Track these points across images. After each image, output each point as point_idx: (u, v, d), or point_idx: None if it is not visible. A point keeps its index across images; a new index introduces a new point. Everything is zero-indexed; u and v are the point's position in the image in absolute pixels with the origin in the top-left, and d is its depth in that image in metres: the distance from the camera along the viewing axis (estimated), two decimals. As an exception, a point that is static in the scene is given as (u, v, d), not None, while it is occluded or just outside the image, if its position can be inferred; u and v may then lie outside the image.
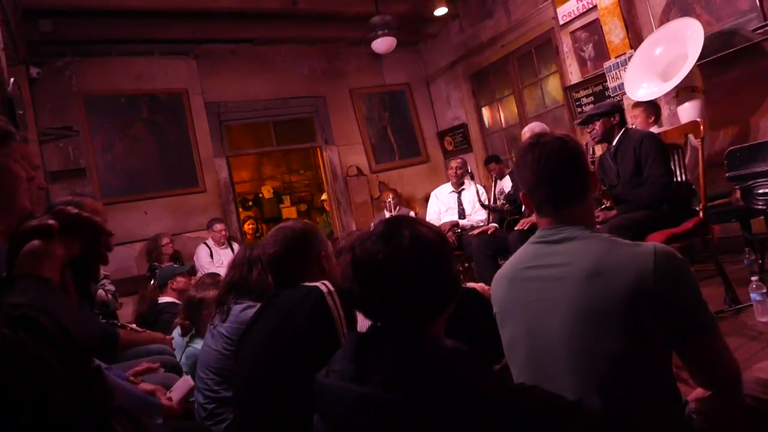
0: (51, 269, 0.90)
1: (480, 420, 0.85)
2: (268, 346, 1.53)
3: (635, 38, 4.65)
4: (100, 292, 2.73)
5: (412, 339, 0.95)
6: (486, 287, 1.96)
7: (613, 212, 2.97)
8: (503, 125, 6.88)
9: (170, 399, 1.91)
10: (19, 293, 0.81)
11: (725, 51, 4.09)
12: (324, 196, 8.06)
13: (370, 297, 0.99)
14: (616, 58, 4.77)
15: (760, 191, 3.12)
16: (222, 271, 2.77)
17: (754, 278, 2.59)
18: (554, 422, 0.90)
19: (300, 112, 6.97)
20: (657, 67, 4.17)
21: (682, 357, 1.15)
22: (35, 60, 5.19)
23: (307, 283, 1.55)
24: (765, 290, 2.57)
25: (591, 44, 5.19)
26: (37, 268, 0.88)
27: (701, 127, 2.94)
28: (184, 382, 2.04)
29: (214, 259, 5.35)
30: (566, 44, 5.43)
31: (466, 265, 4.69)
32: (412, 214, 6.17)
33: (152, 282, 4.27)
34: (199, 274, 4.81)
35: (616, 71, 4.76)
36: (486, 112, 7.11)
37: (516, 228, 3.66)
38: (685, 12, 4.33)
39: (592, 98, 5.21)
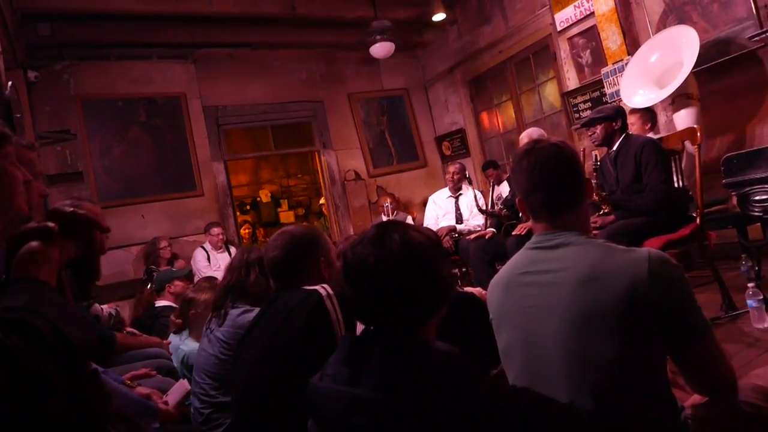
0: (48, 272, 0.90)
1: (471, 422, 0.85)
2: (267, 350, 1.53)
3: (632, 45, 4.67)
4: (104, 313, 2.73)
5: (404, 342, 0.96)
6: (483, 292, 1.96)
7: (611, 218, 2.98)
8: (501, 130, 6.90)
9: (166, 403, 1.90)
10: (15, 296, 0.80)
11: (722, 58, 4.11)
12: (322, 201, 8.06)
13: (361, 300, 0.99)
14: (613, 64, 4.79)
15: (757, 198, 3.13)
16: (219, 275, 2.77)
17: (750, 285, 2.59)
18: (545, 425, 0.90)
19: (298, 117, 6.98)
20: (653, 75, 4.19)
21: (677, 363, 1.15)
22: (33, 64, 5.19)
23: (306, 287, 1.55)
24: (761, 297, 2.58)
25: (588, 50, 5.21)
26: (33, 270, 0.88)
27: (698, 134, 2.95)
28: (180, 386, 2.04)
29: (212, 262, 5.34)
30: (564, 50, 5.45)
31: (464, 269, 4.69)
32: (409, 218, 6.18)
33: (149, 285, 4.26)
34: (196, 278, 4.81)
35: (614, 77, 4.77)
36: (484, 118, 7.13)
37: (513, 233, 3.66)
38: (682, 19, 4.35)
39: (589, 104, 5.23)
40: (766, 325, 2.55)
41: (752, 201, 3.12)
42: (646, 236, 2.78)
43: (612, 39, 4.77)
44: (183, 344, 2.68)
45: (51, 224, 0.93)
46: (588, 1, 5.02)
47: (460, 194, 4.89)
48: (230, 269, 2.25)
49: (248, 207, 9.86)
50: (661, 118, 4.55)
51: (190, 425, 2.06)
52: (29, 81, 5.09)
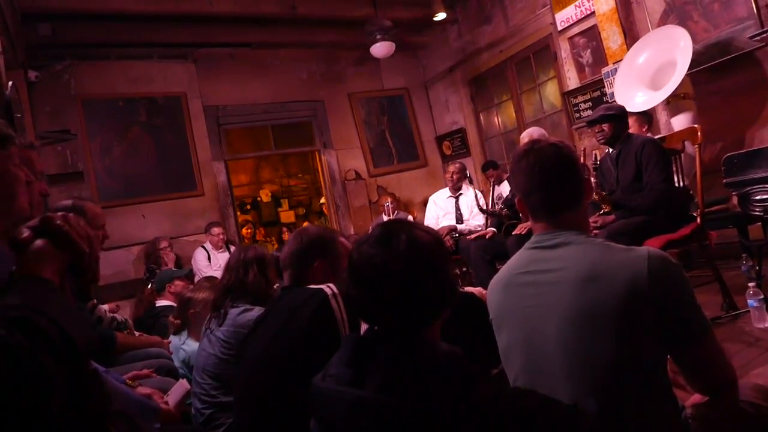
0: (52, 271, 0.90)
1: (475, 423, 0.85)
2: (271, 349, 1.52)
3: (633, 44, 4.67)
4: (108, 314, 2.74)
5: (408, 342, 0.96)
6: (484, 291, 1.96)
7: (612, 217, 2.98)
8: (501, 130, 6.90)
9: (167, 403, 1.90)
10: (19, 294, 0.80)
11: (722, 58, 4.11)
12: (322, 200, 8.06)
13: (366, 300, 0.99)
14: (614, 64, 4.79)
15: (758, 197, 3.13)
16: (220, 275, 2.77)
17: (751, 284, 2.59)
18: (549, 426, 0.90)
19: (298, 116, 6.98)
20: (645, 77, 4.19)
21: (677, 362, 1.15)
22: (34, 63, 5.19)
23: (312, 286, 1.55)
24: (762, 296, 2.58)
25: (589, 50, 5.21)
26: (38, 269, 0.88)
27: (698, 134, 2.95)
28: (180, 386, 2.04)
29: (212, 262, 5.34)
30: (564, 50, 5.45)
31: (464, 269, 4.69)
32: (410, 218, 6.18)
33: (150, 285, 4.27)
34: (196, 278, 4.81)
35: (614, 77, 4.77)
36: (484, 117, 7.13)
37: (514, 233, 3.67)
38: (683, 18, 4.35)
39: (590, 104, 5.23)
40: (766, 325, 2.55)
41: (753, 200, 3.12)
42: (647, 236, 2.78)
43: (613, 39, 4.77)
44: (184, 345, 2.68)
45: (64, 225, 0.93)
46: (588, 1, 5.02)
47: (460, 194, 4.89)
48: (228, 269, 2.25)
49: (249, 207, 9.86)
50: (662, 118, 4.55)
51: (191, 425, 2.06)
52: (30, 81, 5.08)
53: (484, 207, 4.49)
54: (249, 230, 8.07)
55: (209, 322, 2.17)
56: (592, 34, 5.10)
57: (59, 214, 0.95)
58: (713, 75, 4.22)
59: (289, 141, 7.32)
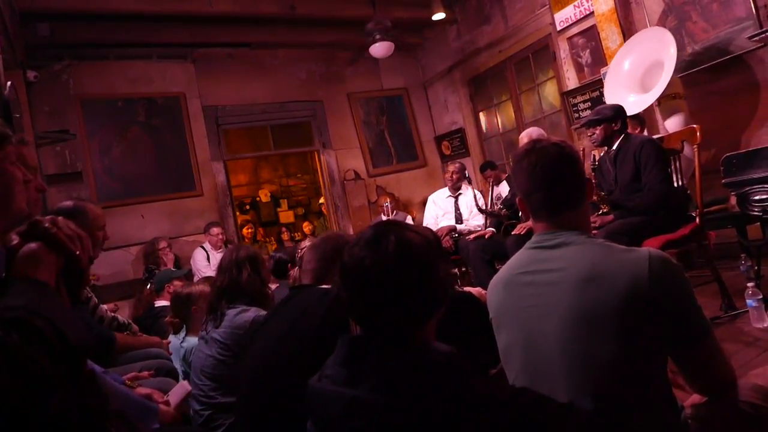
0: (47, 273, 0.90)
1: (470, 422, 0.85)
2: (280, 347, 1.51)
3: (632, 44, 4.68)
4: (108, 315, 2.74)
5: (402, 342, 0.96)
6: (483, 291, 1.96)
7: (610, 217, 2.98)
8: (500, 130, 6.90)
9: (167, 403, 1.90)
10: (16, 296, 0.80)
11: (721, 58, 4.11)
12: (321, 200, 8.06)
13: (357, 302, 0.99)
14: (613, 64, 4.78)
15: (757, 198, 3.13)
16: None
17: (750, 284, 2.59)
18: (545, 424, 0.90)
19: (298, 116, 6.98)
20: (633, 80, 4.20)
21: (677, 362, 1.15)
22: (32, 63, 5.19)
23: (323, 286, 1.55)
24: (761, 296, 2.58)
25: (588, 50, 5.21)
26: (33, 271, 0.88)
27: (697, 134, 2.95)
28: (181, 387, 2.03)
29: (211, 262, 5.34)
30: (563, 50, 5.46)
31: (463, 269, 4.69)
32: (409, 218, 6.19)
33: (149, 285, 4.27)
34: (195, 278, 4.81)
35: (613, 78, 4.78)
36: (483, 117, 7.13)
37: (513, 233, 3.66)
38: (682, 18, 4.36)
39: (589, 104, 5.23)
40: (765, 325, 2.55)
41: (752, 201, 3.12)
42: (646, 236, 2.78)
43: (612, 39, 4.77)
44: (184, 342, 2.68)
45: (52, 228, 0.93)
46: (588, 1, 5.03)
47: (460, 194, 4.89)
48: (221, 270, 2.24)
49: (248, 207, 9.86)
50: (659, 118, 4.55)
51: (191, 426, 2.06)
52: (28, 81, 5.08)
53: (483, 207, 4.49)
54: (249, 230, 8.06)
55: (206, 324, 2.16)
56: (591, 34, 5.10)
57: (48, 217, 0.95)
58: (712, 75, 4.23)
59: (288, 141, 7.32)
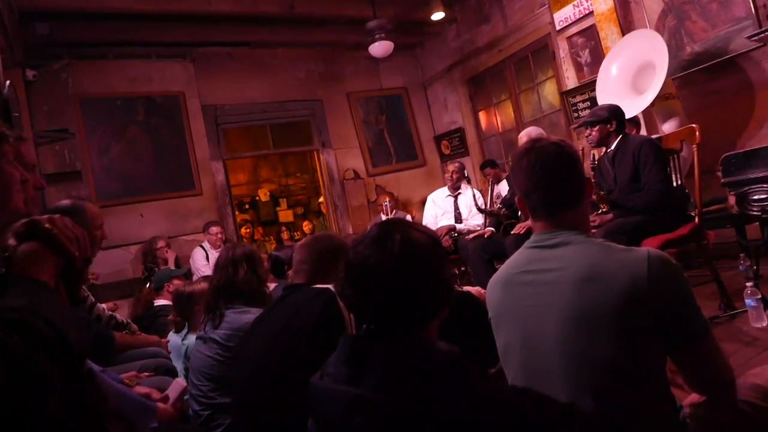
0: (46, 273, 0.90)
1: (472, 422, 0.85)
2: (274, 347, 1.51)
3: (631, 44, 4.67)
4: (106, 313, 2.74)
5: (405, 341, 0.96)
6: (482, 291, 1.96)
7: (609, 216, 2.98)
8: (500, 129, 6.90)
9: (165, 400, 1.90)
10: (15, 296, 0.80)
11: (720, 58, 4.12)
12: (321, 200, 8.06)
13: (361, 301, 0.99)
14: (612, 63, 4.78)
15: (756, 197, 3.13)
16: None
17: (748, 284, 2.60)
18: (546, 424, 0.90)
19: (297, 116, 6.98)
20: (626, 83, 4.20)
21: (676, 362, 1.15)
22: (31, 62, 5.18)
23: (318, 285, 1.55)
24: (760, 296, 2.58)
25: (587, 50, 5.21)
26: (33, 271, 0.88)
27: (696, 133, 2.95)
28: (177, 385, 2.04)
29: (210, 262, 5.34)
30: (563, 49, 5.45)
31: (463, 268, 4.69)
32: (408, 218, 6.18)
33: (148, 285, 4.26)
34: (195, 277, 4.80)
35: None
36: (483, 117, 7.13)
37: (513, 232, 3.67)
38: (681, 18, 4.36)
39: (588, 103, 5.23)
40: (764, 324, 2.55)
41: (751, 200, 3.13)
42: (645, 235, 2.78)
43: (611, 38, 4.77)
44: (185, 340, 2.66)
45: (51, 228, 0.93)
46: (587, 1, 5.03)
47: (459, 193, 4.89)
48: (217, 269, 2.23)
49: (247, 206, 9.85)
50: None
51: (189, 424, 2.06)
52: (27, 80, 5.07)
53: (483, 207, 4.49)
54: (247, 230, 8.06)
55: (204, 324, 2.15)
56: (591, 33, 5.10)
57: (46, 216, 0.95)
58: (711, 75, 4.23)
59: (287, 140, 7.31)
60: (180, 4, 5.40)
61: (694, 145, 2.97)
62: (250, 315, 2.03)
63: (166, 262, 5.23)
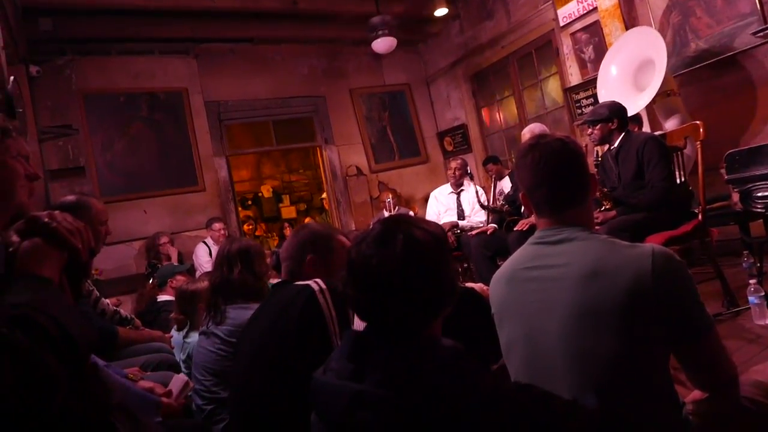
0: (50, 269, 0.90)
1: (475, 418, 0.85)
2: (262, 346, 1.53)
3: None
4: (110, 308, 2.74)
5: (408, 338, 0.96)
6: (485, 287, 1.96)
7: (613, 213, 2.98)
8: (503, 126, 6.88)
9: (168, 395, 1.92)
10: (19, 293, 0.81)
11: (725, 54, 4.10)
12: (323, 196, 8.06)
13: (363, 300, 0.99)
14: (616, 59, 4.76)
15: (759, 194, 3.13)
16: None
17: (752, 281, 2.59)
18: (549, 421, 0.90)
19: (300, 112, 6.97)
20: (626, 81, 4.19)
21: (679, 359, 1.15)
22: (35, 58, 5.18)
23: (299, 282, 1.55)
24: (763, 293, 2.58)
25: (591, 46, 5.19)
26: (37, 267, 0.88)
27: (701, 130, 2.94)
28: (179, 380, 2.05)
29: (213, 258, 5.34)
30: (566, 46, 5.43)
31: (465, 265, 4.69)
32: (411, 214, 6.17)
33: (151, 280, 4.28)
34: (197, 273, 4.82)
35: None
36: (486, 113, 7.12)
37: (515, 229, 3.66)
38: (686, 14, 4.34)
39: (591, 100, 5.22)
40: (767, 322, 2.55)
41: (754, 197, 3.12)
42: (648, 232, 2.77)
43: (615, 34, 4.75)
44: (189, 339, 2.67)
45: (51, 223, 0.93)
46: (591, -3, 5.00)
47: (462, 190, 4.89)
48: (214, 266, 2.23)
49: (250, 202, 9.86)
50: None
51: (193, 419, 2.07)
52: (31, 76, 5.08)
53: (485, 203, 4.49)
54: (250, 226, 8.07)
55: (206, 320, 2.16)
56: (595, 29, 5.08)
57: (45, 212, 0.95)
58: (715, 71, 4.21)
59: (290, 136, 7.31)
60: (183, 0, 5.41)
61: (698, 142, 2.96)
62: (251, 311, 2.04)
63: (168, 257, 5.24)
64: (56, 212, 0.96)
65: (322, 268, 1.65)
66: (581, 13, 5.17)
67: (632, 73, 4.20)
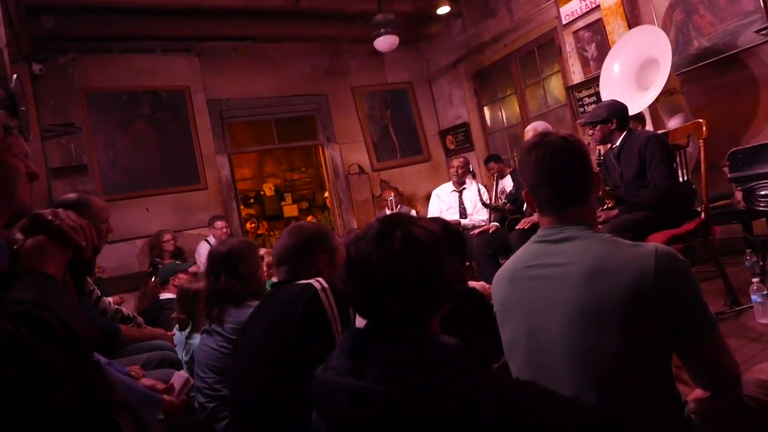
0: (54, 266, 0.91)
1: (475, 414, 0.85)
2: (263, 344, 1.53)
3: (638, 38, 4.64)
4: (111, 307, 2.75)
5: (408, 334, 0.96)
6: (487, 286, 1.97)
7: (615, 212, 2.98)
8: (505, 124, 6.88)
9: (169, 391, 1.92)
10: (23, 289, 0.81)
11: (728, 52, 4.09)
12: (325, 194, 8.06)
13: (362, 297, 0.99)
14: (618, 58, 4.75)
15: (762, 193, 3.12)
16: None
17: (755, 280, 2.59)
18: (550, 418, 0.90)
19: (302, 110, 6.98)
20: (629, 80, 4.18)
21: (681, 357, 1.15)
22: (38, 57, 5.19)
23: (301, 281, 1.55)
24: (766, 292, 2.57)
25: (594, 44, 5.18)
26: (41, 264, 0.89)
27: (704, 128, 2.93)
28: (180, 377, 2.05)
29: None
30: (569, 44, 5.42)
31: (468, 263, 4.69)
32: (413, 212, 6.18)
33: (153, 278, 4.28)
34: (200, 271, 4.81)
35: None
36: (488, 111, 7.11)
37: (517, 227, 3.66)
38: (689, 12, 4.33)
39: (594, 98, 5.20)
40: (770, 320, 2.54)
41: (758, 196, 3.11)
42: (650, 231, 2.77)
43: (618, 33, 4.74)
44: (191, 339, 2.67)
45: (54, 220, 0.93)
46: (593, -6, 4.99)
47: (464, 188, 4.89)
48: (205, 274, 2.24)
49: (252, 200, 9.87)
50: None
51: (195, 416, 2.07)
52: (34, 74, 5.09)
53: (487, 202, 4.48)
54: (252, 224, 8.08)
55: (209, 321, 2.16)
56: (597, 27, 5.07)
57: (48, 210, 0.95)
58: (718, 69, 4.20)
59: (292, 135, 7.31)
60: (185, -2, 5.42)
61: (701, 141, 2.96)
62: (251, 309, 2.04)
63: (172, 255, 5.25)
64: (60, 210, 0.96)
65: (331, 265, 1.67)
66: (584, 11, 5.15)
67: (635, 71, 4.19)
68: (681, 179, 3.11)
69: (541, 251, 1.25)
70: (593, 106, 5.01)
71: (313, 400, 1.02)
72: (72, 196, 2.18)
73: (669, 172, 2.90)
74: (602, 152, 3.26)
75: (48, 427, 0.71)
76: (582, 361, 1.12)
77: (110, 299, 2.82)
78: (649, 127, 4.33)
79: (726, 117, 4.15)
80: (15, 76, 3.23)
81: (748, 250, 3.01)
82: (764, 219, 3.38)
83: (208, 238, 5.55)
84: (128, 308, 3.00)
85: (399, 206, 5.82)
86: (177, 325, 2.77)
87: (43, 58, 5.28)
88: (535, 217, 3.35)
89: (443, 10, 6.59)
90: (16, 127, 1.09)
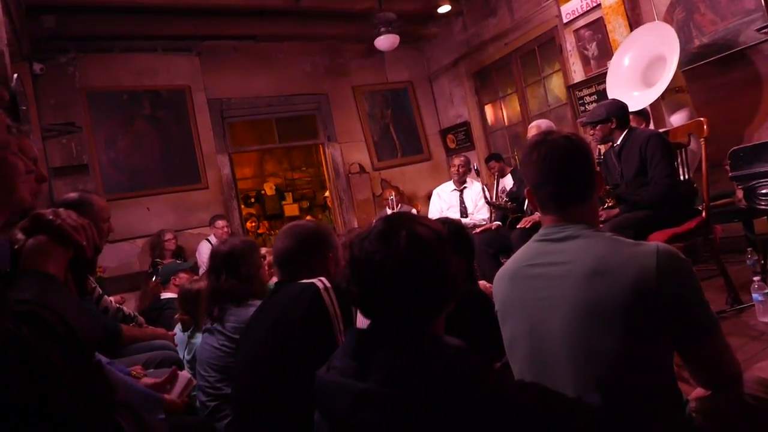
0: (56, 266, 0.91)
1: (478, 415, 0.85)
2: (266, 343, 1.53)
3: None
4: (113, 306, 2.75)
5: (411, 335, 0.96)
6: (488, 285, 1.97)
7: (616, 211, 2.98)
8: (506, 123, 6.87)
9: (168, 390, 1.93)
10: (25, 289, 0.81)
11: (729, 51, 4.08)
12: (326, 194, 8.06)
13: (366, 297, 0.99)
14: (619, 56, 4.75)
15: (764, 191, 3.11)
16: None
17: (756, 278, 2.59)
18: (553, 419, 0.90)
19: (302, 109, 6.97)
20: (636, 75, 4.18)
21: (683, 356, 1.15)
22: (38, 56, 5.19)
23: (304, 280, 1.55)
24: (766, 290, 2.57)
25: (594, 42, 5.17)
26: (42, 264, 0.89)
27: (705, 127, 2.93)
28: (182, 377, 2.05)
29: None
30: (570, 42, 5.42)
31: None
32: (414, 212, 6.18)
33: (154, 278, 4.29)
34: (201, 271, 4.82)
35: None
36: (489, 110, 7.10)
37: (518, 226, 3.66)
38: (690, 10, 4.32)
39: (595, 97, 5.20)
40: (771, 319, 2.54)
41: (759, 194, 3.10)
42: (651, 229, 2.77)
43: (618, 31, 4.73)
44: (194, 338, 2.67)
45: (55, 220, 0.93)
46: (594, -7, 4.99)
47: (465, 187, 4.88)
48: (207, 273, 2.24)
49: (253, 200, 9.87)
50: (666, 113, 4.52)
51: (196, 416, 2.07)
52: (35, 73, 5.08)
53: (491, 200, 4.48)
54: (253, 223, 8.08)
55: (210, 320, 2.16)
56: (598, 26, 5.07)
57: (50, 210, 0.96)
58: (719, 68, 4.19)
59: (293, 134, 7.31)
60: (186, -3, 5.41)
61: (702, 139, 2.95)
62: (254, 308, 2.04)
63: (172, 254, 5.25)
64: (61, 209, 0.96)
65: (337, 264, 1.67)
66: (584, 9, 5.15)
67: (642, 68, 4.18)
68: (682, 178, 3.11)
69: (542, 250, 1.25)
70: (594, 104, 5.01)
71: (316, 401, 1.01)
72: (73, 195, 2.18)
73: (670, 170, 2.90)
74: (602, 151, 3.26)
75: (50, 427, 0.71)
76: (583, 360, 1.11)
77: (111, 298, 2.82)
78: (651, 124, 4.32)
79: (728, 115, 4.14)
80: (16, 75, 3.23)
81: (749, 249, 3.01)
82: (765, 217, 3.38)
83: (209, 238, 5.55)
84: (129, 308, 3.00)
85: (400, 205, 5.82)
86: (179, 325, 2.78)
87: (44, 57, 5.27)
88: (536, 216, 3.35)
89: (444, 9, 6.59)
90: (18, 128, 1.09)
